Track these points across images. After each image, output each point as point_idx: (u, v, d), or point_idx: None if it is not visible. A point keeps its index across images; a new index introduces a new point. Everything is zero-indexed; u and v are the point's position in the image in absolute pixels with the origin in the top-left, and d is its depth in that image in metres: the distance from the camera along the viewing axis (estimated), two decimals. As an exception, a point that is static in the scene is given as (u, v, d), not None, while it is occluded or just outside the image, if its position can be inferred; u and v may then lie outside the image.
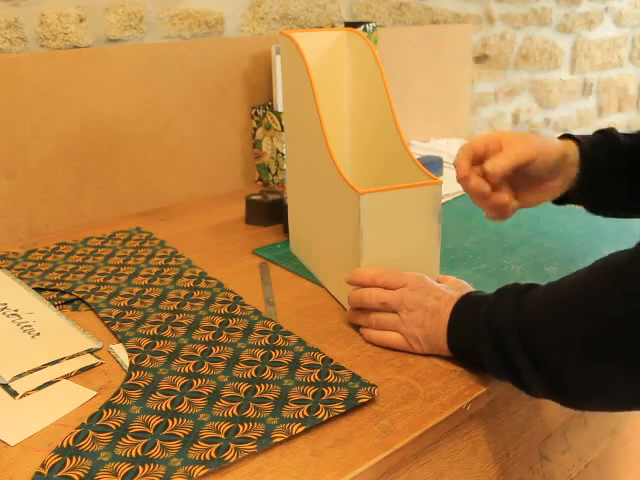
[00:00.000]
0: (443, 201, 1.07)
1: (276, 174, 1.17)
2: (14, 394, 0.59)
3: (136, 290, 0.79)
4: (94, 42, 1.04)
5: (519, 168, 0.70)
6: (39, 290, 0.79)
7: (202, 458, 0.50)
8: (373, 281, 0.67)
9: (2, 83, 0.92)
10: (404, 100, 1.46)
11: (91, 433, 0.52)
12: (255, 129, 1.19)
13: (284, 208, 0.94)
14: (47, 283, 0.80)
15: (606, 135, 0.77)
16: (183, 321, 0.71)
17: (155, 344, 0.66)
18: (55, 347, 0.65)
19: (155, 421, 0.54)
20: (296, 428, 0.53)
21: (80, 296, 0.77)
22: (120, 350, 0.66)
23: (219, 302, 0.75)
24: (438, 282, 0.68)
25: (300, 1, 1.29)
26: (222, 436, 0.52)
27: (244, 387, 0.59)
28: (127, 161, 1.07)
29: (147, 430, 0.53)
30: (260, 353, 0.64)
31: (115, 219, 1.05)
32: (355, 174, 0.88)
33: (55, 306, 0.75)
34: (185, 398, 0.57)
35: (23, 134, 0.95)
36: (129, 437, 0.52)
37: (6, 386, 0.60)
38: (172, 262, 0.87)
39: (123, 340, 0.67)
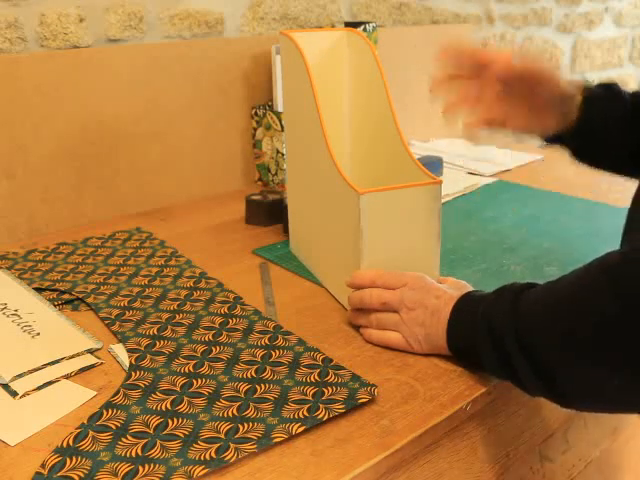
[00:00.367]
0: (443, 201, 1.07)
1: (276, 174, 1.17)
2: (14, 394, 0.59)
3: (136, 290, 0.79)
4: (94, 42, 1.04)
5: (530, 76, 0.70)
6: (39, 290, 0.79)
7: (202, 458, 0.50)
8: (373, 282, 0.67)
9: (2, 83, 0.92)
10: (404, 100, 1.46)
11: (91, 433, 0.52)
12: (255, 129, 1.19)
13: (284, 208, 0.94)
14: (47, 283, 0.80)
15: (609, 88, 0.77)
16: (183, 321, 0.71)
17: (155, 344, 0.66)
18: (55, 347, 0.65)
19: (155, 421, 0.54)
20: (296, 428, 0.53)
21: (80, 296, 0.77)
22: (120, 350, 0.66)
23: (219, 302, 0.75)
24: (438, 283, 0.68)
25: (300, 1, 1.29)
26: (222, 436, 0.52)
27: (244, 387, 0.59)
28: (127, 161, 1.07)
29: (147, 430, 0.53)
30: (260, 353, 0.64)
31: (115, 219, 1.05)
32: (355, 174, 0.88)
33: (55, 306, 0.75)
34: (185, 398, 0.57)
35: (23, 134, 0.95)
36: (129, 437, 0.52)
37: (6, 386, 0.60)
38: (172, 262, 0.87)
39: (123, 340, 0.67)
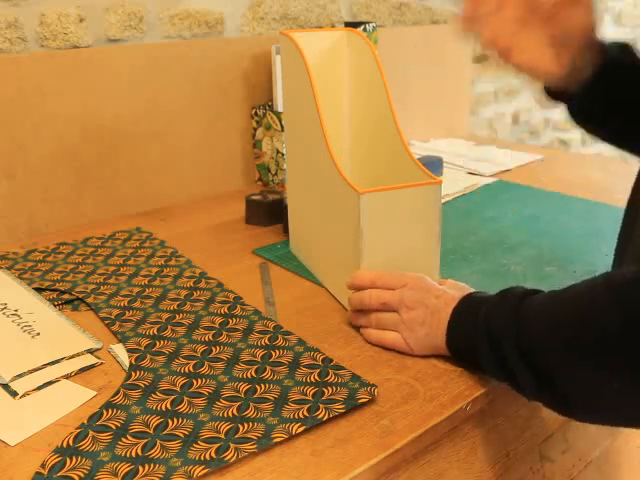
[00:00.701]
0: (443, 201, 1.07)
1: (276, 174, 1.17)
2: (14, 394, 0.59)
3: (136, 290, 0.79)
4: (94, 42, 1.04)
5: (565, 6, 0.63)
6: (39, 290, 0.79)
7: (202, 458, 0.50)
8: (373, 283, 0.67)
9: (2, 83, 0.92)
10: (404, 100, 1.46)
11: (91, 433, 0.52)
12: (255, 129, 1.19)
13: (284, 208, 0.94)
14: (47, 283, 0.80)
15: (630, 54, 0.70)
16: (183, 321, 0.71)
17: (155, 344, 0.66)
18: (55, 347, 0.65)
19: (155, 421, 0.54)
20: (296, 428, 0.53)
21: (80, 296, 0.77)
22: (120, 350, 0.66)
23: (219, 302, 0.75)
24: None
25: (300, 1, 1.29)
26: (222, 436, 0.52)
27: (244, 387, 0.59)
28: (127, 161, 1.07)
29: (147, 430, 0.53)
30: (260, 353, 0.64)
31: (115, 219, 1.05)
32: (355, 174, 0.88)
33: (55, 306, 0.75)
34: (185, 398, 0.57)
35: (23, 134, 0.95)
36: (129, 437, 0.52)
37: (6, 386, 0.60)
38: (172, 262, 0.87)
39: (123, 340, 0.67)
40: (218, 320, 0.71)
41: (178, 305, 0.75)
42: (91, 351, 0.66)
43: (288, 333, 0.68)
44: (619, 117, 0.72)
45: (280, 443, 0.52)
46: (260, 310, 0.73)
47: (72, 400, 0.58)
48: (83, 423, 0.54)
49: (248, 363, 0.63)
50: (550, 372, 0.53)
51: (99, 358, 0.65)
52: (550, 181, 1.21)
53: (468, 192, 1.16)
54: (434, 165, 1.23)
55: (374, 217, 0.67)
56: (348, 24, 1.19)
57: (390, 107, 0.79)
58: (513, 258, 0.87)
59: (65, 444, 0.51)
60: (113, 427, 0.53)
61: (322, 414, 0.54)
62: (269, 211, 1.01)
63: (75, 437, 0.52)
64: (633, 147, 0.76)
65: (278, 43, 1.12)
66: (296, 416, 0.54)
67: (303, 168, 0.83)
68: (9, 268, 0.85)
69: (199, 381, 0.60)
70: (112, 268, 0.85)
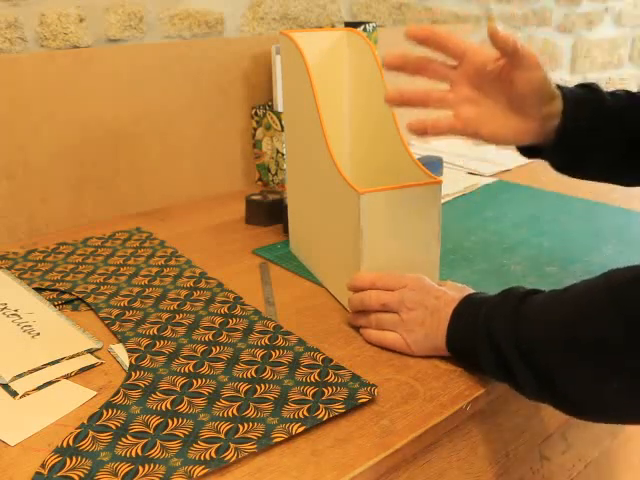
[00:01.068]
0: (443, 201, 1.07)
1: (276, 174, 1.17)
2: (14, 394, 0.59)
3: (136, 290, 0.79)
4: (94, 42, 1.04)
5: (512, 60, 0.62)
6: (39, 290, 0.79)
7: (202, 458, 0.50)
8: (373, 284, 0.67)
9: (2, 83, 0.92)
10: (404, 100, 1.46)
11: (91, 433, 0.52)
12: (255, 129, 1.19)
13: (284, 208, 0.94)
14: (47, 283, 0.80)
15: (591, 91, 0.71)
16: (183, 321, 0.71)
17: (155, 344, 0.66)
18: (55, 347, 0.65)
19: (155, 421, 0.54)
20: (296, 428, 0.53)
21: (80, 296, 0.77)
22: (120, 350, 0.66)
23: (219, 302, 0.75)
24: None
25: (300, 1, 1.29)
26: (222, 436, 0.52)
27: (244, 387, 0.59)
28: (127, 161, 1.07)
29: (147, 430, 0.53)
30: (260, 353, 0.64)
31: (115, 219, 1.05)
32: (355, 174, 0.88)
33: (55, 306, 0.75)
34: (185, 398, 0.57)
35: (23, 134, 0.95)
36: (129, 437, 0.52)
37: (6, 386, 0.60)
38: (172, 262, 0.87)
39: (123, 340, 0.67)
40: (218, 320, 0.71)
41: (178, 305, 0.75)
42: (91, 351, 0.66)
43: (288, 333, 0.68)
44: (598, 158, 0.72)
45: (280, 443, 0.52)
46: (260, 310, 0.73)
47: (72, 400, 0.58)
48: (83, 423, 0.54)
49: (248, 363, 0.63)
50: (550, 372, 0.53)
51: (99, 358, 0.65)
52: (550, 181, 1.21)
53: (468, 192, 1.16)
54: (434, 165, 1.23)
55: (374, 217, 0.67)
56: (348, 24, 1.19)
57: (390, 107, 0.78)
58: (513, 258, 0.87)
59: (65, 444, 0.51)
60: (113, 427, 0.53)
61: (322, 414, 0.54)
62: (269, 211, 1.01)
63: (75, 437, 0.52)
64: (622, 179, 0.78)
65: (278, 43, 1.12)
66: (296, 416, 0.54)
67: (303, 168, 0.83)
68: (9, 268, 0.85)
69: (199, 381, 0.60)
70: (112, 268, 0.85)
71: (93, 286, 0.80)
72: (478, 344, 0.58)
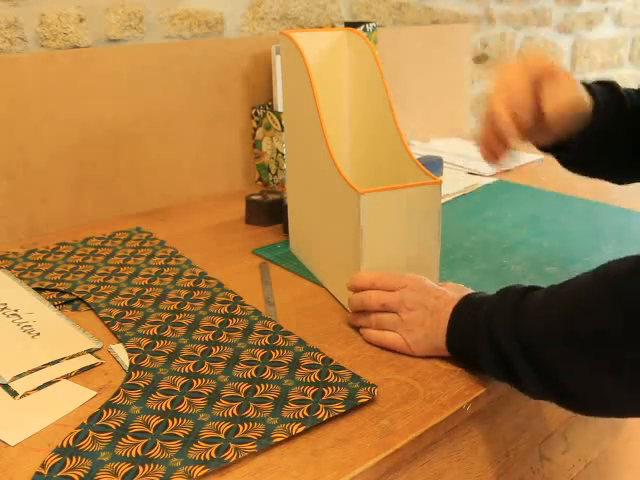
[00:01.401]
0: (443, 201, 1.07)
1: (276, 174, 1.17)
2: (14, 394, 0.59)
3: (136, 290, 0.79)
4: (94, 42, 1.04)
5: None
6: (39, 290, 0.79)
7: (202, 458, 0.50)
8: (373, 284, 0.67)
9: (2, 83, 0.92)
10: (404, 100, 1.46)
11: (91, 433, 0.52)
12: (255, 129, 1.19)
13: (284, 208, 0.94)
14: (47, 283, 0.80)
15: (612, 92, 0.73)
16: (183, 321, 0.71)
17: (155, 344, 0.66)
18: (55, 347, 0.65)
19: (155, 421, 0.54)
20: (296, 428, 0.53)
21: (80, 296, 0.77)
22: (120, 350, 0.66)
23: (219, 302, 0.75)
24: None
25: (300, 1, 1.29)
26: (222, 436, 0.52)
27: (244, 387, 0.59)
28: (127, 161, 1.07)
29: (147, 430, 0.53)
30: (260, 353, 0.64)
31: (115, 219, 1.05)
32: (355, 174, 0.88)
33: (55, 306, 0.75)
34: (185, 398, 0.57)
35: (23, 134, 0.95)
36: (129, 437, 0.52)
37: (6, 386, 0.60)
38: (172, 262, 0.87)
39: (123, 340, 0.67)
40: (218, 320, 0.71)
41: (178, 305, 0.75)
42: (91, 351, 0.66)
43: (288, 333, 0.68)
44: (607, 159, 0.74)
45: (280, 443, 0.52)
46: (260, 310, 0.73)
47: (72, 400, 0.58)
48: (83, 423, 0.54)
49: (248, 363, 0.63)
50: (550, 366, 0.53)
51: (99, 358, 0.65)
52: (550, 181, 1.21)
53: (468, 192, 1.16)
54: (434, 165, 1.23)
55: (374, 217, 0.67)
56: (348, 24, 1.19)
57: (390, 107, 0.79)
58: (513, 258, 0.87)
59: (65, 444, 0.51)
60: (113, 427, 0.53)
61: (322, 414, 0.54)
62: (269, 211, 1.01)
63: (75, 437, 0.52)
64: (620, 178, 0.80)
65: (278, 43, 1.12)
66: (296, 416, 0.54)
67: (303, 168, 0.83)
68: (9, 268, 0.85)
69: (199, 381, 0.60)
70: (112, 268, 0.85)
71: (93, 286, 0.80)
72: (478, 343, 0.58)
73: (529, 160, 1.37)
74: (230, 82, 1.16)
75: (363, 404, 0.57)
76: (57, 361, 0.63)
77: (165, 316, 0.72)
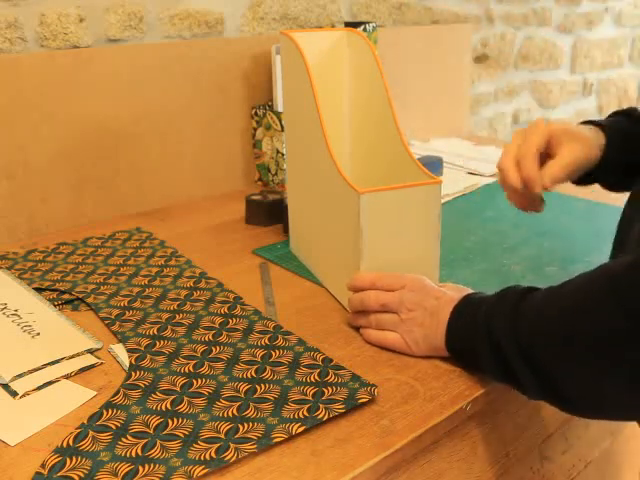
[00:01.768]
0: (443, 201, 1.07)
1: (276, 174, 1.17)
2: (14, 394, 0.59)
3: (136, 290, 0.79)
4: (94, 42, 1.04)
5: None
6: (39, 290, 0.79)
7: (202, 458, 0.50)
8: (373, 284, 0.67)
9: (2, 83, 0.92)
10: (404, 100, 1.46)
11: (91, 433, 0.52)
12: (255, 129, 1.19)
13: (284, 208, 0.94)
14: (47, 283, 0.80)
15: (628, 118, 0.77)
16: (183, 321, 0.71)
17: (155, 344, 0.66)
18: (55, 347, 0.65)
19: (155, 421, 0.54)
20: (296, 428, 0.53)
21: (80, 296, 0.77)
22: (120, 350, 0.66)
23: (219, 302, 0.75)
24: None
25: (300, 1, 1.29)
26: (222, 436, 0.52)
27: (244, 387, 0.59)
28: (127, 161, 1.07)
29: (147, 430, 0.53)
30: (260, 353, 0.64)
31: (115, 219, 1.05)
32: (355, 174, 0.88)
33: (55, 306, 0.75)
34: (185, 398, 0.57)
35: (23, 134, 0.95)
36: (129, 437, 0.52)
37: (6, 386, 0.60)
38: (172, 262, 0.87)
39: (123, 340, 0.67)
40: (218, 320, 0.71)
41: (178, 305, 0.75)
42: (91, 351, 0.66)
43: (288, 333, 0.68)
44: (610, 176, 0.78)
45: (280, 443, 0.52)
46: (260, 310, 0.73)
47: (72, 400, 0.58)
48: (83, 423, 0.54)
49: (248, 363, 0.63)
50: (549, 367, 0.53)
51: (99, 358, 0.65)
52: (550, 181, 1.21)
53: (468, 192, 1.16)
54: (434, 165, 1.23)
55: (374, 217, 0.67)
56: (348, 24, 1.19)
57: (390, 107, 0.79)
58: (513, 258, 0.87)
59: (65, 444, 0.51)
60: (113, 427, 0.53)
61: (322, 414, 0.54)
62: (269, 211, 1.01)
63: (75, 437, 0.52)
64: (615, 190, 0.82)
65: (278, 43, 1.12)
66: (296, 416, 0.54)
67: (303, 168, 0.83)
68: (9, 268, 0.85)
69: (199, 381, 0.60)
70: (112, 268, 0.85)
71: (93, 286, 0.80)
72: (478, 343, 0.58)
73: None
74: (230, 82, 1.16)
75: (363, 404, 0.57)
76: (57, 361, 0.63)
77: (165, 316, 0.72)
